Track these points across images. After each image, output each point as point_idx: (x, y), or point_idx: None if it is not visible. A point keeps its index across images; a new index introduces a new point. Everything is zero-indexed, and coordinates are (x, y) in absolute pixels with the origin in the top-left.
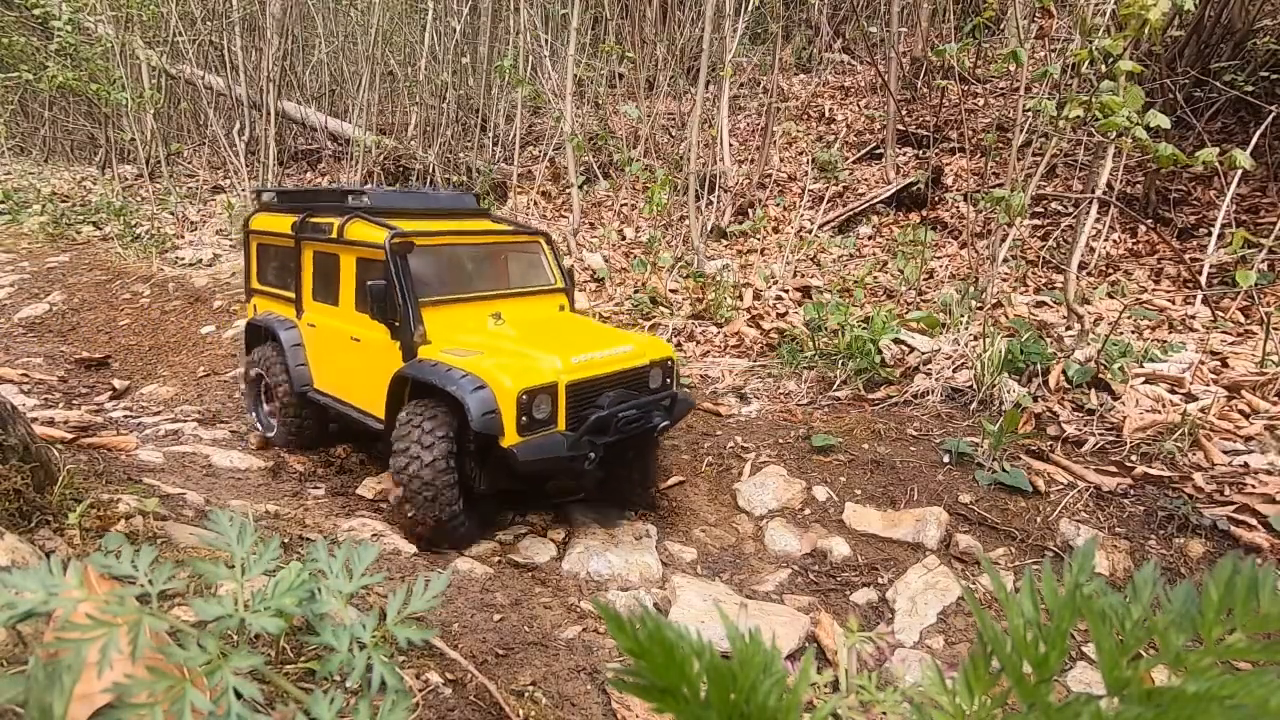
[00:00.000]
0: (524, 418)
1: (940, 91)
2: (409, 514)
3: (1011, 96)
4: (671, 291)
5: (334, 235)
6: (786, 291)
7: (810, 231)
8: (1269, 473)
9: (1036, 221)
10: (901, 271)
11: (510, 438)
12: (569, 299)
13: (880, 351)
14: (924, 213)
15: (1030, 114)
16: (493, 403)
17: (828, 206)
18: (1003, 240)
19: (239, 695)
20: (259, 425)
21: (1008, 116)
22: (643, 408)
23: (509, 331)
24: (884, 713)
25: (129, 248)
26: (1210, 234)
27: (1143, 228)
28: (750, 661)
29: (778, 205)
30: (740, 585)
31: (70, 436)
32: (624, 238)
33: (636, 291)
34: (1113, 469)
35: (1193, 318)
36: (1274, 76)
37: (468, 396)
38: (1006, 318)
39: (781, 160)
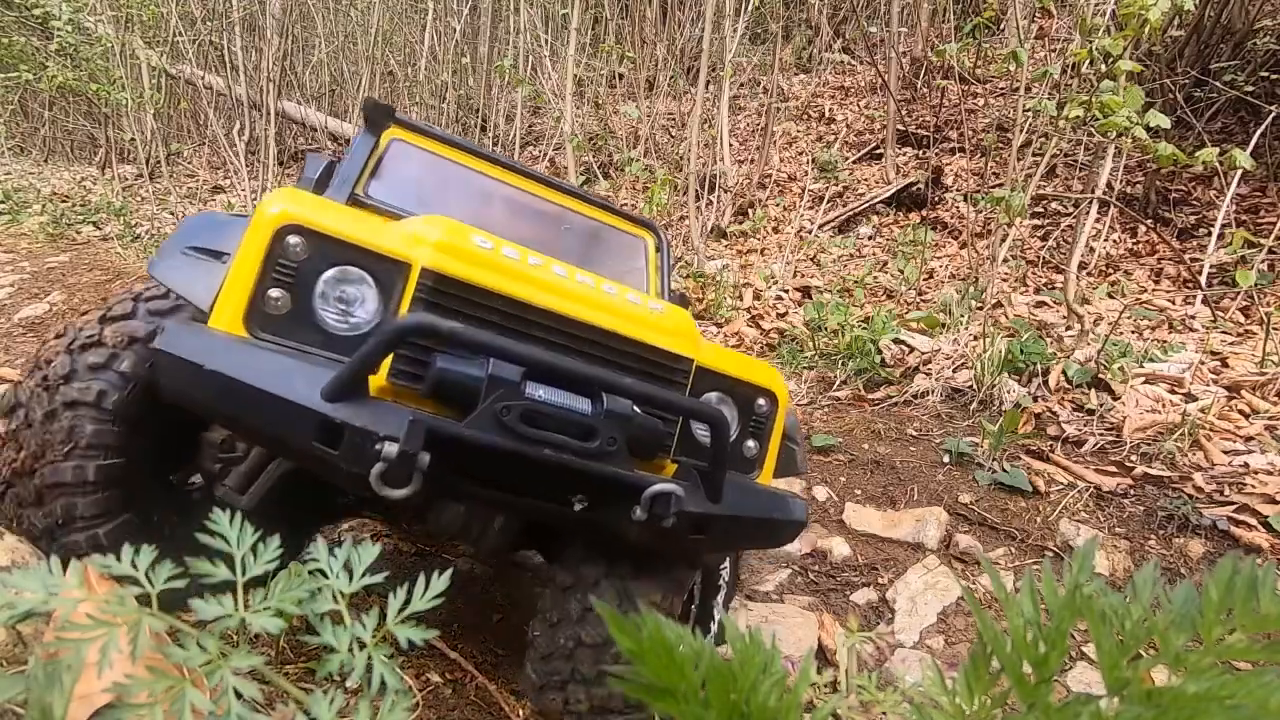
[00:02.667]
0: (274, 290)
1: (940, 91)
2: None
3: (1011, 96)
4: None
5: None
6: (786, 291)
7: (810, 231)
8: (1269, 473)
9: (1036, 221)
10: (901, 271)
11: (216, 316)
12: None
13: (880, 351)
14: (924, 213)
15: (1030, 114)
16: (222, 232)
17: (828, 206)
18: (1003, 240)
19: (239, 695)
20: None
21: (1008, 116)
22: (617, 409)
23: None
24: (884, 713)
25: (129, 248)
26: (1210, 234)
27: (1143, 228)
28: (750, 661)
29: (778, 205)
30: (740, 585)
31: None
32: None
33: None
34: (1113, 469)
35: (1193, 318)
36: (1274, 76)
37: (190, 221)
38: (1006, 318)
39: (781, 160)
